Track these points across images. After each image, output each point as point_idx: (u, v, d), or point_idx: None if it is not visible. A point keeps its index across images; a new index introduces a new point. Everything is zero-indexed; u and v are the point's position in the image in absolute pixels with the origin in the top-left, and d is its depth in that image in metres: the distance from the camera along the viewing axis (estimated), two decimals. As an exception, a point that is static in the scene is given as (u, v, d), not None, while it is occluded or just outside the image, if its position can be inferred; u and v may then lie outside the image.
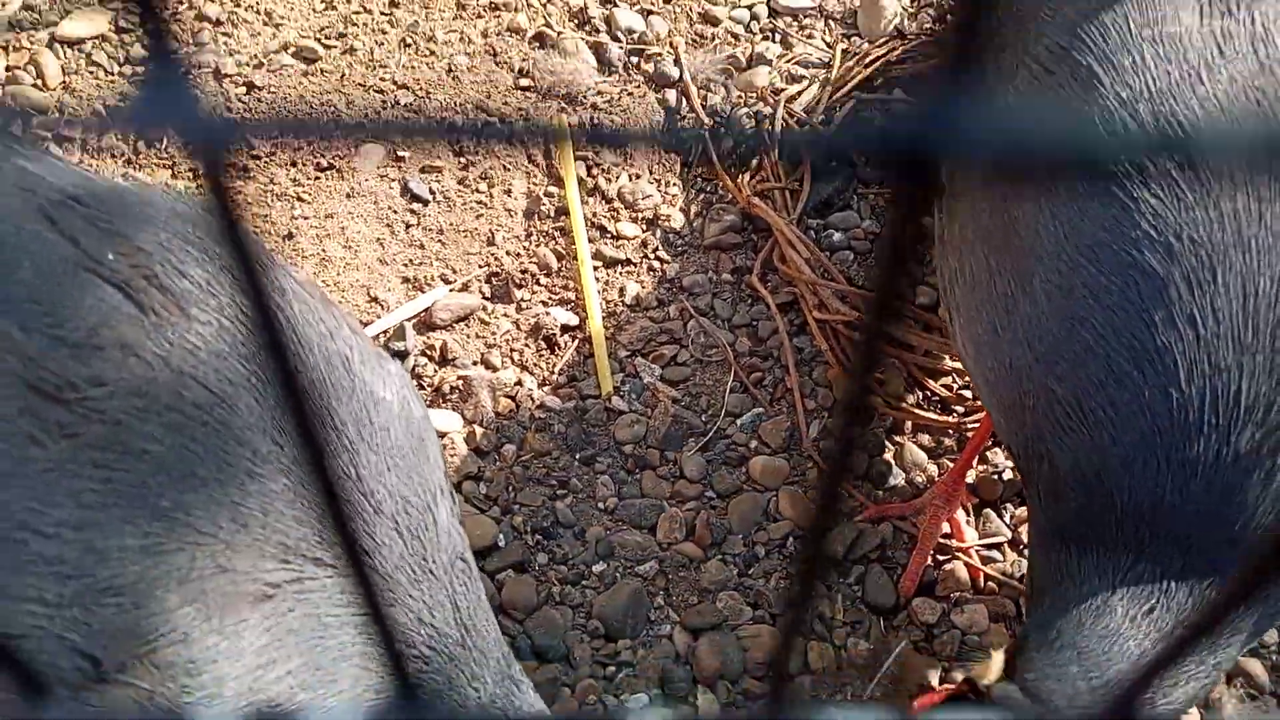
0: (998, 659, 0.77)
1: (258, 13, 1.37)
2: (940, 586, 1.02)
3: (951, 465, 1.06)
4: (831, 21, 1.39)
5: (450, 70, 1.34)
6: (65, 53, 1.32)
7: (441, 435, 1.11)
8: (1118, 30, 0.73)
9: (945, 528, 1.04)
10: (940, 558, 1.04)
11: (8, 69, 1.30)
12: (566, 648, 0.99)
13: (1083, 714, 0.70)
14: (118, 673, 0.53)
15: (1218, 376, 0.67)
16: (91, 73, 1.32)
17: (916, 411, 1.11)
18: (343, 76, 1.33)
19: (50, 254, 0.59)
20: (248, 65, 1.33)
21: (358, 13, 1.37)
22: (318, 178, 1.26)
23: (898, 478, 1.08)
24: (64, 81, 1.31)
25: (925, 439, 1.11)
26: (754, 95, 1.33)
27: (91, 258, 0.59)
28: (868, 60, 1.36)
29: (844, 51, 1.36)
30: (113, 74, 1.32)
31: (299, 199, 1.24)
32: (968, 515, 1.06)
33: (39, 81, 1.30)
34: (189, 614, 0.55)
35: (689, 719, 0.20)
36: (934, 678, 0.97)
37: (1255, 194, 0.68)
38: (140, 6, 0.15)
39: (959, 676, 0.79)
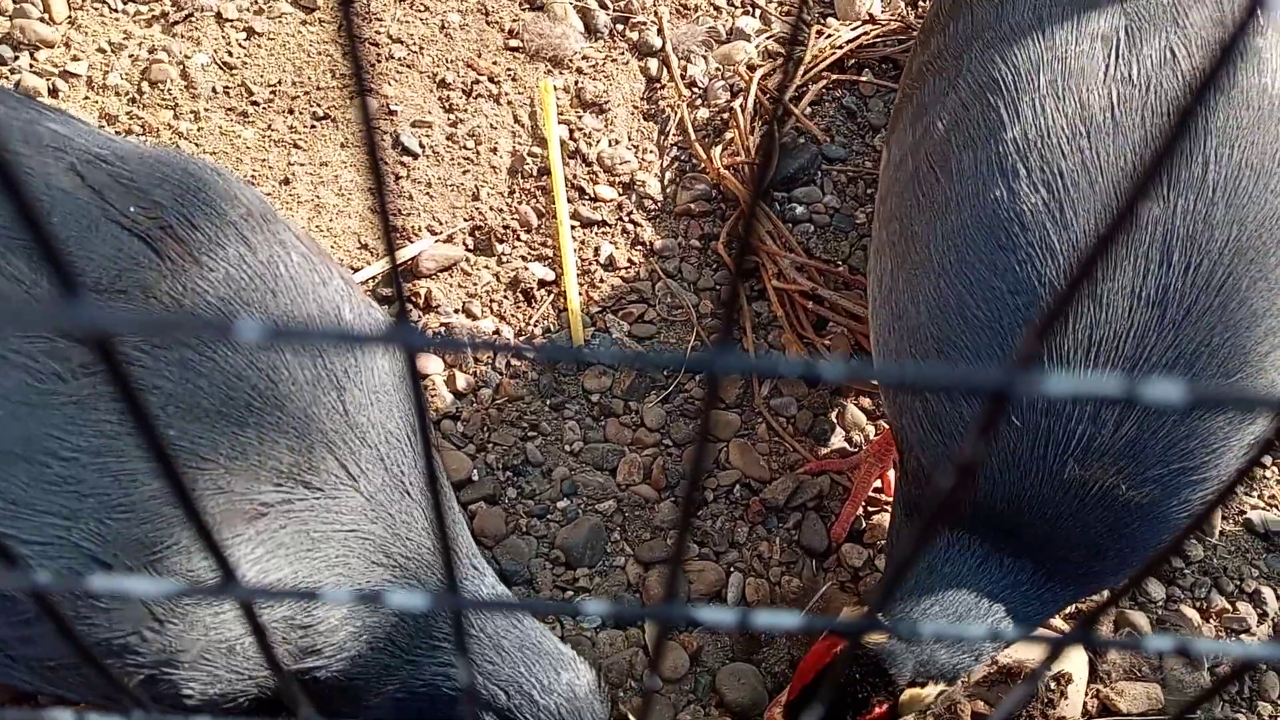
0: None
1: (259, -42, 1.41)
2: (868, 535, 1.12)
3: (887, 427, 1.16)
4: (809, 0, 1.45)
5: (443, 27, 1.39)
6: (71, -12, 1.36)
7: (423, 377, 1.19)
8: (1029, 78, 0.78)
9: (877, 483, 1.14)
10: (870, 509, 1.14)
11: (15, 2, 1.34)
12: (530, 573, 1.09)
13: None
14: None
15: (1054, 409, 0.75)
16: (96, 9, 1.36)
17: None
18: (340, 27, 1.38)
19: (78, 207, 0.63)
20: (248, 10, 1.38)
21: (356, -36, 1.41)
22: (314, 126, 1.32)
23: (838, 436, 1.18)
24: (70, 17, 1.35)
25: (866, 402, 1.21)
26: (730, 69, 1.40)
27: (116, 209, 0.64)
28: (840, 42, 1.43)
29: (818, 32, 1.43)
30: (117, 11, 1.37)
31: (295, 146, 1.30)
32: (898, 473, 1.16)
33: (46, 16, 1.34)
34: (187, 529, 0.59)
35: (626, 611, 0.27)
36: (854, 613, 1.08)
37: (1113, 255, 0.75)
38: None
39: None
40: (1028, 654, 1.04)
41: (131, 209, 0.65)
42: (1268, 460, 1.18)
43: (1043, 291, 0.74)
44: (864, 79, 1.38)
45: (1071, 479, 0.75)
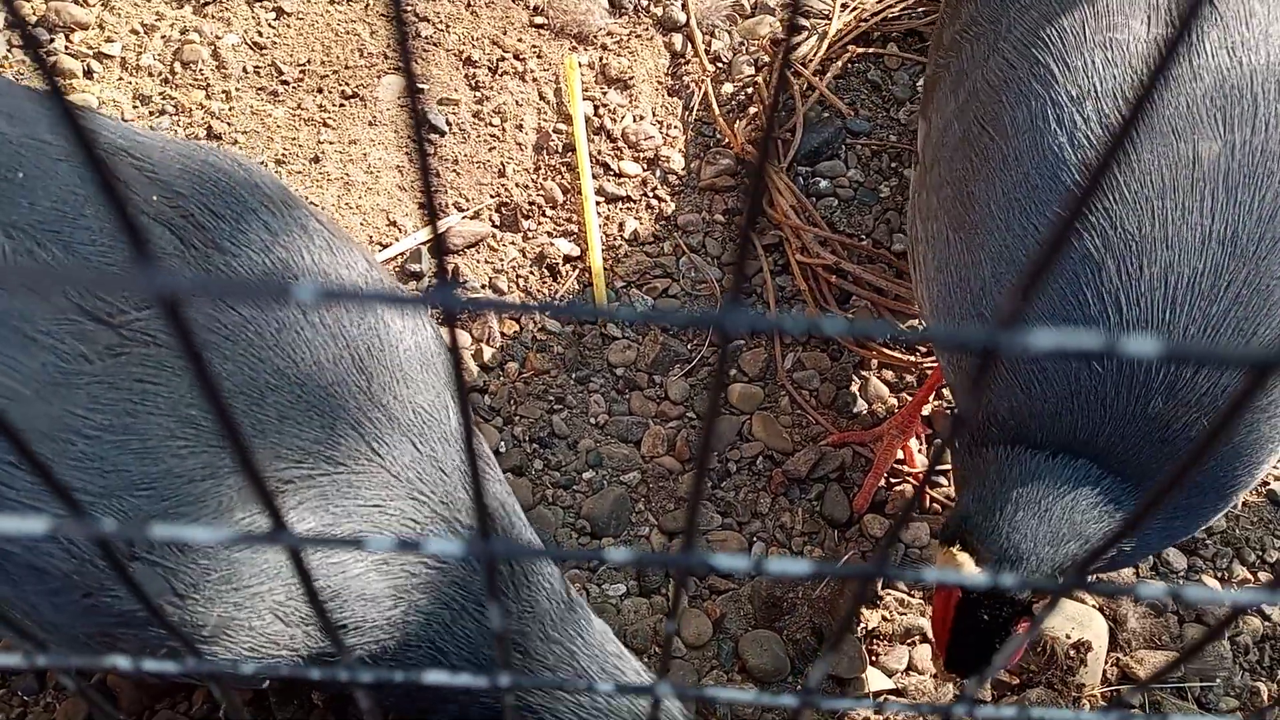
0: (957, 554, 0.78)
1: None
2: (890, 505, 1.12)
3: (910, 399, 1.16)
4: (834, -27, 1.44)
5: (469, 4, 1.39)
6: (104, -30, 1.38)
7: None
8: (1074, 33, 0.76)
9: (899, 454, 1.14)
10: (892, 480, 1.14)
11: (51, -16, 1.35)
12: (557, 543, 1.11)
13: (1066, 560, 0.74)
14: (147, 552, 0.58)
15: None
16: (130, -9, 1.38)
17: (883, 350, 1.21)
18: (367, 6, 1.39)
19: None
20: (277, -9, 1.39)
21: (382, -57, 1.41)
22: (342, 105, 1.33)
23: (861, 408, 1.19)
24: (104, -1, 1.36)
25: (889, 375, 1.20)
26: (755, 44, 1.39)
27: (140, 198, 0.63)
28: (865, 15, 1.41)
29: (843, 5, 1.42)
30: (150, -7, 1.38)
31: (325, 124, 1.31)
32: (920, 444, 1.16)
33: (81, -2, 1.35)
34: (209, 505, 0.59)
35: (647, 557, 0.28)
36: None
37: (1180, 197, 0.72)
38: None
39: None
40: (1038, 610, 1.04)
41: (155, 198, 0.64)
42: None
43: (1114, 234, 0.72)
44: (888, 52, 1.37)
45: (1155, 414, 0.73)
